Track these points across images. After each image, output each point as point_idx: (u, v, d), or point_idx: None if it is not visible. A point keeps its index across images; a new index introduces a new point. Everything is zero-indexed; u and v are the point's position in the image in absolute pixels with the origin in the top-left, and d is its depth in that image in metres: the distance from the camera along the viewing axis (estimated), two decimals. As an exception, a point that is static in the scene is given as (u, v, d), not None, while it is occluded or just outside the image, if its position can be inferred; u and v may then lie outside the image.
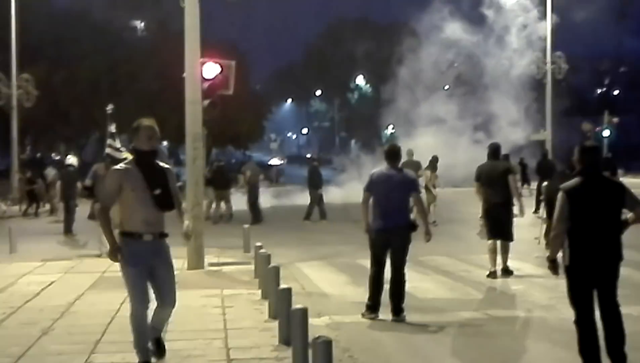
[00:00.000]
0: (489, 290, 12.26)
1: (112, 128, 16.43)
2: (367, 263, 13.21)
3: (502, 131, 44.89)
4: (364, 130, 74.92)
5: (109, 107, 16.87)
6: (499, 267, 13.19)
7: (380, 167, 10.45)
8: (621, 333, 7.25)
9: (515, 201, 13.40)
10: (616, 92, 77.17)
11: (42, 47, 47.20)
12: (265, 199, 32.60)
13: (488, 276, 13.07)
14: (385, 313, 10.02)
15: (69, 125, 54.00)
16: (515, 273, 13.16)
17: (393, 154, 10.36)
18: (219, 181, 25.00)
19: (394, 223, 9.92)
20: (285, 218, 26.41)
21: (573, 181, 7.44)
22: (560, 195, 7.34)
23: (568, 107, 49.63)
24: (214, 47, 39.74)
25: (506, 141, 45.59)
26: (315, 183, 25.65)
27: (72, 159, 23.76)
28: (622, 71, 78.10)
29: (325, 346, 5.51)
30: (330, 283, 13.03)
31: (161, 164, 7.22)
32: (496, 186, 13.17)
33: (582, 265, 7.20)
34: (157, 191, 6.98)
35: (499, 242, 13.23)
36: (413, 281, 12.50)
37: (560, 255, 7.39)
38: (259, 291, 11.06)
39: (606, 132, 49.06)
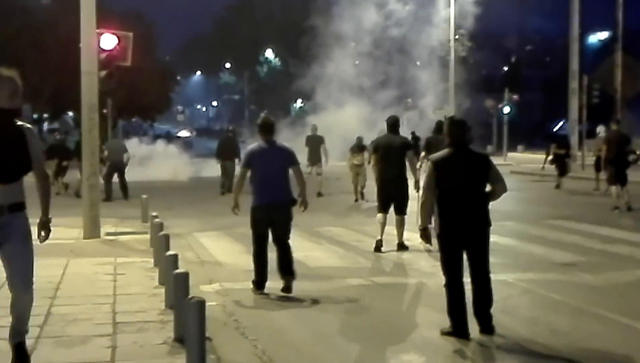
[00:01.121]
0: (377, 258, 12.72)
1: None
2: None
3: (412, 105, 46.00)
4: (274, 104, 75.09)
5: None
6: (393, 242, 13.23)
7: (257, 142, 10.28)
8: (488, 296, 7.77)
9: (411, 175, 13.36)
10: (522, 70, 79.01)
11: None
12: (173, 171, 32.69)
13: (375, 250, 13.14)
14: (275, 281, 10.36)
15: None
16: (405, 243, 13.63)
17: (267, 127, 10.20)
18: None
19: (275, 198, 9.83)
20: (189, 190, 26.55)
21: (440, 152, 7.98)
22: (428, 165, 7.86)
23: (474, 84, 50.67)
24: (117, 17, 39.43)
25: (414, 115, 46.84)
26: (227, 155, 25.72)
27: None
28: (528, 49, 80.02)
29: (199, 305, 5.80)
30: (225, 252, 13.34)
31: (20, 123, 6.15)
32: (392, 160, 13.14)
33: (450, 231, 7.71)
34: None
35: (392, 217, 13.29)
36: (305, 250, 13.01)
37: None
38: (152, 260, 11.28)
39: (506, 109, 50.40)
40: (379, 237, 13.22)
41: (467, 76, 49.67)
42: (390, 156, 13.19)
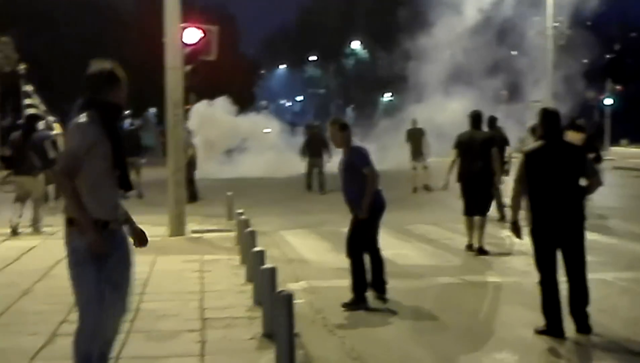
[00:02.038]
0: (468, 256, 12.84)
1: (27, 88, 16.20)
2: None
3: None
4: (361, 97, 75.29)
5: (22, 67, 16.84)
6: (475, 244, 13.05)
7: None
8: (584, 294, 7.86)
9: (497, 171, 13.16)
10: (627, 59, 77.33)
11: (20, 9, 47.36)
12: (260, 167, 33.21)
13: (467, 249, 13.13)
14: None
15: (52, 91, 54.40)
16: (498, 241, 13.72)
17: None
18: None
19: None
20: (275, 188, 26.95)
21: (533, 145, 8.09)
22: (520, 157, 7.99)
23: (573, 74, 49.90)
24: (199, 10, 40.13)
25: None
26: (316, 151, 25.91)
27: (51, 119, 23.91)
28: (633, 36, 78.23)
29: (287, 299, 6.07)
30: (311, 250, 13.64)
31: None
32: (475, 157, 12.87)
33: (543, 227, 7.82)
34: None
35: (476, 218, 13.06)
36: (395, 248, 13.22)
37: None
38: (239, 257, 11.63)
39: (608, 101, 49.39)
40: (470, 242, 13.12)
41: (567, 66, 49.02)
42: (473, 152, 12.93)
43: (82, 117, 5.51)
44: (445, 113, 39.88)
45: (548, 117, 8.07)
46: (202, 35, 15.80)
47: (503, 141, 14.72)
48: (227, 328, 7.88)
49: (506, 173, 16.15)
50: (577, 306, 7.84)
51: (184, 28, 15.63)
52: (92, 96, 5.62)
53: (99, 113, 5.52)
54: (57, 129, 21.13)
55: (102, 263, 5.47)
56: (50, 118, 22.54)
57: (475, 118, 13.33)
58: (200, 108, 37.47)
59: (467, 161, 12.93)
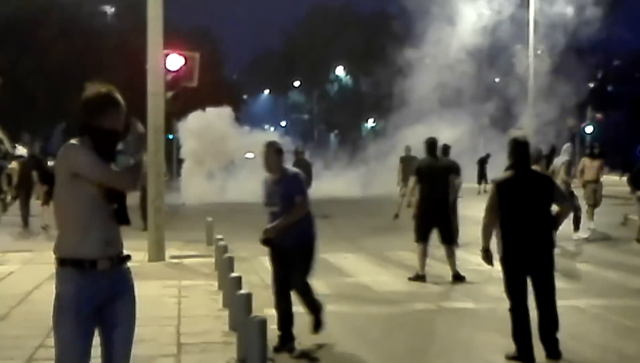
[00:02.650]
0: (445, 283, 13.00)
1: None
2: (329, 257, 14.07)
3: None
4: (344, 123, 75.71)
5: None
6: (448, 273, 13.16)
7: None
8: (554, 320, 8.03)
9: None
10: (608, 87, 78.06)
11: (7, 33, 47.53)
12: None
13: (414, 279, 13.00)
14: (341, 304, 10.81)
15: (34, 114, 54.43)
16: (475, 267, 13.88)
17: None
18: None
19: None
20: (254, 214, 27.02)
21: (504, 174, 8.30)
22: (491, 187, 8.20)
23: (555, 102, 50.46)
24: (184, 35, 40.29)
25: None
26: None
27: (21, 151, 24.22)
28: (615, 64, 79.00)
29: (260, 324, 6.22)
30: None
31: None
32: (436, 184, 13.02)
33: (513, 255, 8.02)
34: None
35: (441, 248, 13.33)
36: (372, 274, 13.41)
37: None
38: (217, 283, 11.75)
39: (589, 129, 49.97)
40: (421, 273, 13.10)
41: (548, 94, 49.54)
42: (434, 179, 13.06)
43: (73, 141, 5.01)
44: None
45: (517, 147, 8.27)
46: (184, 62, 16.00)
47: (457, 170, 15.00)
48: (203, 353, 8.00)
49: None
50: (546, 332, 8.01)
51: (167, 55, 15.83)
52: (86, 122, 5.06)
53: (93, 140, 4.98)
54: (13, 165, 21.93)
55: (93, 312, 4.92)
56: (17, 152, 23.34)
57: (432, 145, 13.49)
58: (194, 119, 37.46)
59: (427, 188, 13.05)
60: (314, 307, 8.97)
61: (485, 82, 49.18)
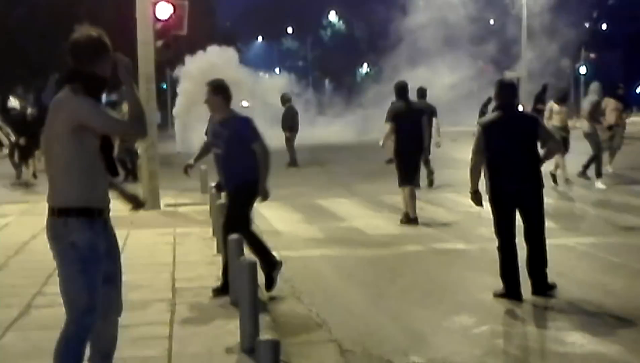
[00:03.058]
0: (438, 225, 13.21)
1: None
2: (323, 202, 14.25)
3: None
4: (338, 69, 75.58)
5: None
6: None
7: None
8: (542, 257, 8.27)
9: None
10: (604, 26, 77.77)
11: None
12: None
13: (405, 221, 13.21)
14: (334, 248, 11.02)
15: (26, 66, 54.24)
16: (467, 209, 14.08)
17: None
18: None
19: None
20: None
21: (490, 116, 8.49)
22: (477, 129, 8.35)
23: (547, 44, 50.51)
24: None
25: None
26: (290, 125, 26.20)
27: (13, 103, 24.23)
28: (610, 4, 78.69)
29: (250, 266, 6.39)
30: (284, 221, 13.97)
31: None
32: (413, 128, 13.22)
33: (501, 193, 8.21)
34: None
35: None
36: (365, 218, 13.61)
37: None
38: (211, 229, 11.92)
39: (582, 69, 50.09)
40: (413, 215, 13.27)
41: (542, 34, 49.56)
42: (411, 123, 13.26)
43: (67, 92, 4.89)
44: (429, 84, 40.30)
45: (504, 89, 8.47)
46: (173, 10, 16.00)
47: (432, 112, 15.09)
48: (197, 297, 8.21)
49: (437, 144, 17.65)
50: (535, 267, 8.25)
51: (155, 3, 15.82)
52: (76, 67, 4.93)
53: (84, 86, 4.85)
54: None
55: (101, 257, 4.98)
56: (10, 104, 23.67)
57: (403, 89, 13.56)
58: (194, 62, 36.98)
59: (405, 133, 13.13)
60: (263, 258, 8.46)
61: (482, 23, 49.19)
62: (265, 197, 8.65)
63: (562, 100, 17.61)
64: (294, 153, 25.68)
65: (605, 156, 18.62)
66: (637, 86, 63.79)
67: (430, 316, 7.85)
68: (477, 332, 7.30)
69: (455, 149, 29.11)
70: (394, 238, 12.07)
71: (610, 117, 19.14)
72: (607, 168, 18.95)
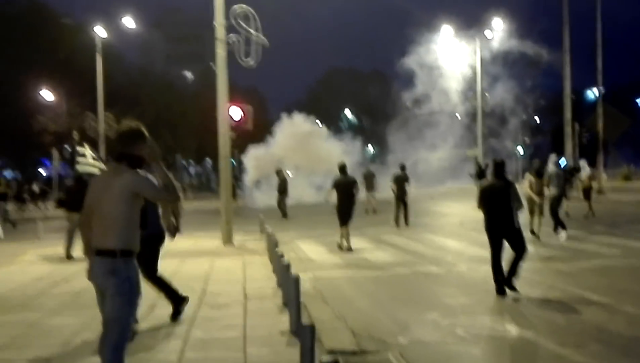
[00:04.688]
0: (418, 255, 13.44)
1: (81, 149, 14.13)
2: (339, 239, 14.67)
3: (448, 148, 46.75)
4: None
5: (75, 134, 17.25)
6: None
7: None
8: (515, 266, 9.03)
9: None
10: (537, 118, 77.87)
11: (119, 92, 48.51)
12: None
13: (340, 248, 14.32)
14: (348, 270, 11.49)
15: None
16: (439, 245, 14.53)
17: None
18: None
19: None
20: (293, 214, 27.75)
21: (486, 181, 9.88)
22: (479, 191, 9.52)
23: (496, 131, 51.15)
24: (241, 91, 40.92)
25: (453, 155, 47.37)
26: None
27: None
28: (541, 102, 78.87)
29: (296, 280, 6.89)
30: (315, 252, 14.36)
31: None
32: (346, 191, 14.44)
33: (489, 228, 9.20)
34: None
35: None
36: (371, 250, 14.04)
37: None
38: (267, 257, 12.41)
39: (519, 149, 50.63)
40: (347, 245, 14.40)
41: (492, 124, 50.19)
42: (346, 189, 14.44)
43: (117, 166, 4.71)
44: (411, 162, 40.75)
45: (494, 165, 9.45)
46: (242, 113, 16.72)
47: (355, 182, 15.18)
48: (260, 300, 8.59)
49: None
50: (514, 265, 9.02)
51: (230, 106, 16.54)
52: (122, 150, 4.75)
53: (129, 163, 4.68)
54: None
55: None
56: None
57: (343, 167, 14.84)
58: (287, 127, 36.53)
59: (341, 195, 14.46)
60: (169, 296, 7.66)
61: (455, 119, 50.01)
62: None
63: (538, 174, 15.68)
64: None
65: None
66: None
67: (412, 313, 8.17)
68: (442, 324, 7.60)
69: (432, 204, 29.60)
70: (389, 264, 12.35)
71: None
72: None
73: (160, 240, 7.47)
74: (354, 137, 44.63)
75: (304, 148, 36.00)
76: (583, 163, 22.74)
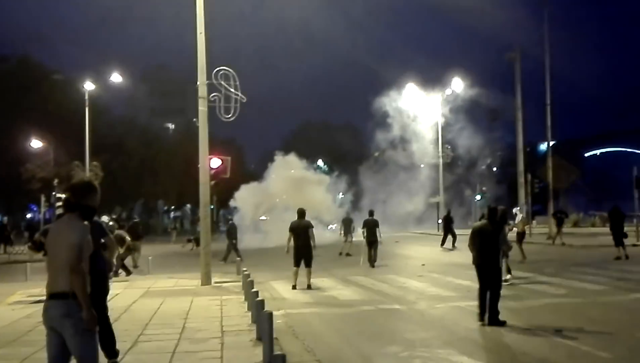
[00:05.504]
0: (383, 294, 13.62)
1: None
2: (312, 280, 14.88)
3: (409, 198, 47.40)
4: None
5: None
6: (304, 284, 14.66)
7: None
8: (495, 301, 9.54)
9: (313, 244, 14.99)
10: (494, 168, 79.13)
11: (105, 143, 48.55)
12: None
13: (293, 288, 14.54)
14: (318, 307, 11.67)
15: (122, 195, 55.18)
16: (402, 285, 14.78)
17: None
18: (132, 233, 20.83)
19: None
20: (266, 256, 27.76)
21: (478, 223, 10.29)
22: (471, 230, 9.97)
23: (456, 180, 51.98)
24: (220, 142, 41.21)
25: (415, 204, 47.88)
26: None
27: (105, 219, 23.77)
28: (499, 154, 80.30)
29: (269, 316, 7.10)
30: (288, 292, 14.42)
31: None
32: (301, 235, 14.89)
33: (478, 265, 9.73)
34: None
35: (302, 268, 14.86)
36: (338, 289, 14.18)
37: None
38: (243, 297, 12.56)
39: (478, 197, 51.63)
40: (294, 284, 14.76)
41: (453, 174, 51.07)
42: (301, 232, 14.89)
43: (70, 216, 4.75)
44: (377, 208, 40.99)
45: (489, 211, 10.05)
46: (221, 163, 16.99)
47: (309, 225, 15.26)
48: (236, 335, 8.73)
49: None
50: (493, 303, 9.55)
51: (210, 158, 16.77)
52: (76, 201, 4.81)
53: (82, 214, 4.74)
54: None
55: None
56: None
57: (302, 213, 15.28)
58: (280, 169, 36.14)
59: (297, 238, 14.95)
60: (105, 343, 6.75)
61: (417, 169, 50.71)
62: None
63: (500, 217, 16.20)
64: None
65: None
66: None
67: (375, 347, 8.36)
68: (401, 355, 7.83)
69: (397, 247, 29.91)
70: (355, 302, 12.48)
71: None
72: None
73: (106, 275, 6.92)
74: (334, 183, 44.87)
75: (298, 192, 36.00)
76: (516, 210, 22.94)
